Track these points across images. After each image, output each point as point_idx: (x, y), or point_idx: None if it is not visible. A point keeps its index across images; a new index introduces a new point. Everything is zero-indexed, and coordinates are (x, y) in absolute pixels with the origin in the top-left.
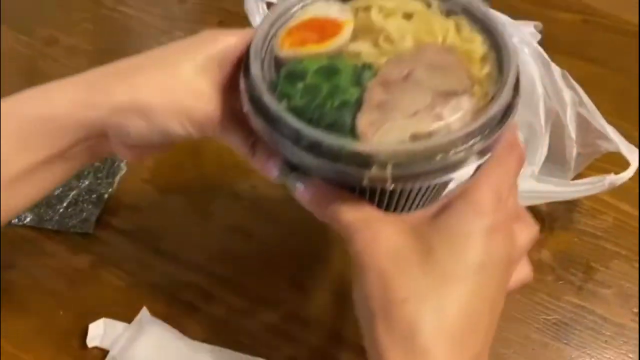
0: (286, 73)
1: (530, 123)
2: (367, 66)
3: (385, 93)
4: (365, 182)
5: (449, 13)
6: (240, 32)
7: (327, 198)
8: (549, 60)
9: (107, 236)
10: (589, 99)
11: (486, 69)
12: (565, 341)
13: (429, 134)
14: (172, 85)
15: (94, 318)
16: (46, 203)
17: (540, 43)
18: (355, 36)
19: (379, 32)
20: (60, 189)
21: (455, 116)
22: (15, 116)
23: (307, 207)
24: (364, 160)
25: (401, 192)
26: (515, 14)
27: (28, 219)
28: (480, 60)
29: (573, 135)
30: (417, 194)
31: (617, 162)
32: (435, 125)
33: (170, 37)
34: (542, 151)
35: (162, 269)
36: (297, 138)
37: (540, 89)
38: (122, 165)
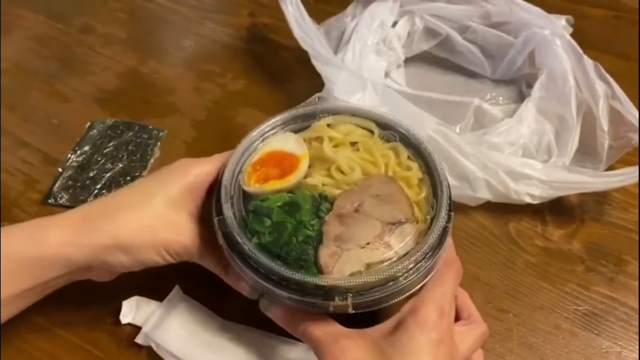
0: (254, 209)
1: (561, 115)
2: (323, 197)
3: (340, 225)
4: (330, 310)
5: (387, 139)
6: (208, 161)
7: (296, 317)
8: (581, 52)
9: None
10: (622, 91)
11: (423, 193)
12: (596, 332)
13: (381, 262)
14: (150, 222)
15: (127, 296)
16: (81, 185)
17: (571, 38)
18: (311, 164)
19: (331, 163)
20: (95, 170)
21: (401, 244)
22: (7, 256)
23: (279, 324)
24: (327, 293)
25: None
26: (547, 9)
27: (64, 199)
28: (417, 185)
29: (605, 127)
30: (375, 311)
31: None
32: (386, 254)
33: (202, 28)
34: (573, 143)
35: None
36: (267, 275)
37: (572, 81)
38: (156, 149)
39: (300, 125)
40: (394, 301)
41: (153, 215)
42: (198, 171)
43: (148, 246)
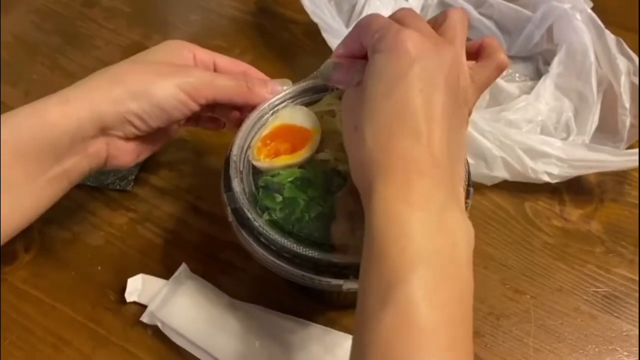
0: (264, 185)
1: (580, 91)
2: (336, 172)
3: (354, 203)
4: (344, 289)
5: None
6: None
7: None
8: (603, 27)
9: (146, 194)
10: None
11: None
12: (616, 314)
13: None
14: (157, 69)
15: (132, 274)
16: None
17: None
18: (322, 139)
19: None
20: None
21: None
22: (11, 140)
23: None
24: (341, 270)
25: None
26: None
27: None
28: None
29: (627, 104)
30: None
31: None
32: None
33: (208, 1)
34: (593, 120)
35: (200, 228)
36: (279, 252)
37: (592, 57)
38: None
39: (311, 98)
40: None
41: (158, 65)
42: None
43: (161, 87)
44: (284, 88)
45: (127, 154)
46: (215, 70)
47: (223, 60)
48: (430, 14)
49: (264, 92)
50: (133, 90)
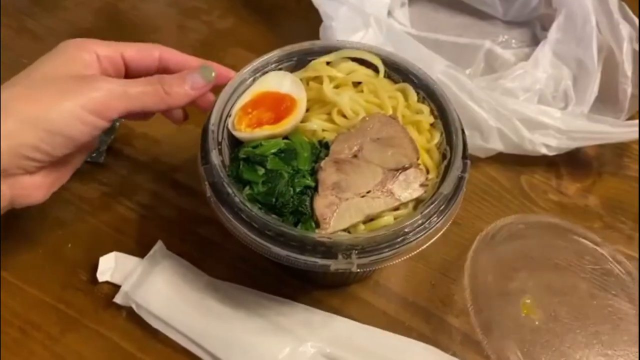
0: (245, 157)
1: (580, 59)
2: (323, 144)
3: (338, 172)
4: (332, 269)
5: (394, 79)
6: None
7: None
8: None
9: (119, 166)
10: None
11: (435, 140)
12: (614, 292)
13: (383, 212)
14: (57, 91)
15: (104, 252)
16: None
17: None
18: (309, 107)
19: (332, 106)
20: None
21: (405, 192)
22: None
23: None
24: (329, 250)
25: None
26: None
27: None
28: (428, 131)
29: (628, 73)
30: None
31: None
32: (389, 203)
33: None
34: (593, 90)
35: (177, 203)
36: (261, 230)
37: (593, 22)
38: None
39: (296, 63)
40: (401, 259)
41: (55, 83)
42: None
43: (60, 111)
44: (208, 78)
45: (35, 190)
46: (125, 64)
47: (131, 51)
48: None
49: (183, 91)
50: (25, 118)
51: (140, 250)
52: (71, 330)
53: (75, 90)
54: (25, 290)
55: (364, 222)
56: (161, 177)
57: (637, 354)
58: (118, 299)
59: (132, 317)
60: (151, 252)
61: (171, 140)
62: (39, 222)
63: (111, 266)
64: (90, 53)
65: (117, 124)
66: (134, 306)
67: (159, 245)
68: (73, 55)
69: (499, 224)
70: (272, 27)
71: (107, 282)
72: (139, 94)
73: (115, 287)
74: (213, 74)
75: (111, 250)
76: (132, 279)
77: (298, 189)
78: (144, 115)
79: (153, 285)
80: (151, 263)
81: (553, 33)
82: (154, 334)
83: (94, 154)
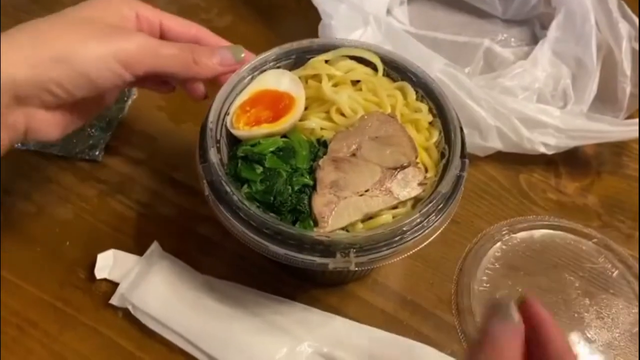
0: (244, 155)
1: (579, 58)
2: (322, 142)
3: (336, 171)
4: (330, 268)
5: (393, 78)
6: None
7: None
8: None
9: (117, 164)
10: None
11: (434, 138)
12: (612, 291)
13: (382, 210)
14: (93, 32)
15: (102, 250)
16: None
17: None
18: (307, 106)
19: (330, 104)
20: None
21: (404, 190)
22: None
23: None
24: (327, 248)
25: None
26: None
27: (32, 144)
28: (427, 129)
29: (627, 72)
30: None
31: None
32: (388, 202)
33: None
34: (592, 88)
35: (176, 201)
36: (259, 228)
37: (592, 20)
38: (134, 90)
39: (294, 61)
40: (399, 258)
41: (91, 24)
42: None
43: (90, 53)
44: (238, 57)
45: (49, 126)
46: (161, 32)
47: (170, 22)
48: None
49: (211, 63)
50: (56, 53)
51: (138, 248)
52: (69, 328)
53: (109, 38)
54: (24, 288)
55: (363, 221)
56: (159, 176)
57: (637, 353)
58: (114, 301)
59: (130, 315)
60: (147, 252)
61: (169, 139)
62: (37, 220)
63: (109, 263)
64: (131, 10)
65: (116, 121)
66: (130, 308)
67: (154, 246)
68: (114, 6)
69: (497, 224)
70: (270, 25)
71: (105, 280)
72: (169, 56)
73: (114, 285)
74: (243, 55)
75: (109, 249)
76: (128, 280)
77: (296, 188)
78: (165, 84)
79: (149, 286)
80: (147, 263)
81: (552, 32)
82: (152, 332)
83: (92, 151)
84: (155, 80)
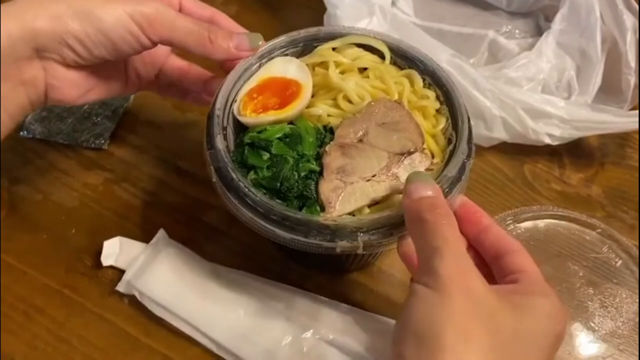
0: (250, 142)
1: (584, 49)
2: (328, 129)
3: (343, 157)
4: (337, 252)
5: (400, 65)
6: None
7: None
8: None
9: (123, 153)
10: None
11: (440, 125)
12: (615, 280)
13: (389, 196)
14: None
15: (108, 238)
16: (56, 115)
17: None
18: (314, 93)
19: (337, 91)
20: None
21: None
22: None
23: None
24: (334, 233)
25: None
26: None
27: (38, 131)
28: (434, 116)
29: (632, 63)
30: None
31: None
32: (394, 187)
33: None
34: (596, 80)
35: (182, 189)
36: (266, 214)
37: (597, 12)
38: None
39: (302, 49)
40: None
41: None
42: None
43: (110, 11)
44: (255, 44)
45: (69, 85)
46: (180, 10)
47: (189, 2)
48: None
49: (226, 45)
50: (77, 8)
51: (144, 236)
52: (76, 315)
53: (129, 0)
54: (30, 275)
55: (369, 206)
56: (165, 164)
57: (637, 343)
58: (120, 287)
59: (136, 302)
60: (154, 240)
61: (175, 128)
62: (43, 208)
63: (115, 251)
64: None
65: (122, 109)
66: (136, 294)
67: (160, 234)
68: None
69: (502, 214)
70: (276, 15)
71: (111, 267)
72: (185, 28)
73: (120, 272)
74: (260, 42)
75: (114, 236)
76: (135, 267)
77: (303, 174)
78: (187, 93)
79: (156, 273)
80: (153, 251)
81: (557, 23)
82: (159, 318)
83: (98, 140)
84: (180, 88)
